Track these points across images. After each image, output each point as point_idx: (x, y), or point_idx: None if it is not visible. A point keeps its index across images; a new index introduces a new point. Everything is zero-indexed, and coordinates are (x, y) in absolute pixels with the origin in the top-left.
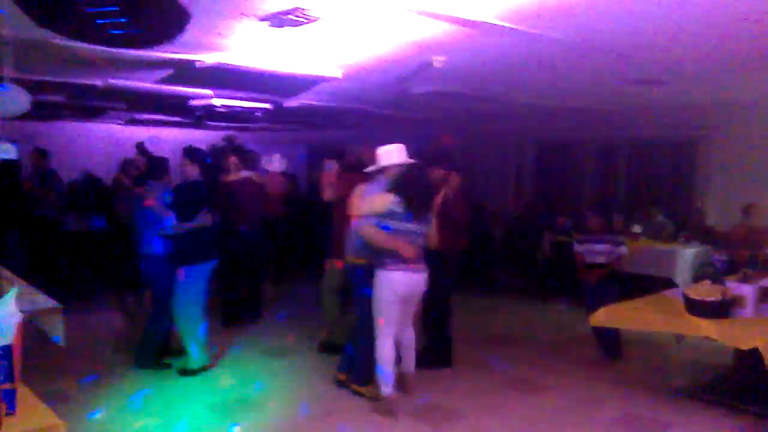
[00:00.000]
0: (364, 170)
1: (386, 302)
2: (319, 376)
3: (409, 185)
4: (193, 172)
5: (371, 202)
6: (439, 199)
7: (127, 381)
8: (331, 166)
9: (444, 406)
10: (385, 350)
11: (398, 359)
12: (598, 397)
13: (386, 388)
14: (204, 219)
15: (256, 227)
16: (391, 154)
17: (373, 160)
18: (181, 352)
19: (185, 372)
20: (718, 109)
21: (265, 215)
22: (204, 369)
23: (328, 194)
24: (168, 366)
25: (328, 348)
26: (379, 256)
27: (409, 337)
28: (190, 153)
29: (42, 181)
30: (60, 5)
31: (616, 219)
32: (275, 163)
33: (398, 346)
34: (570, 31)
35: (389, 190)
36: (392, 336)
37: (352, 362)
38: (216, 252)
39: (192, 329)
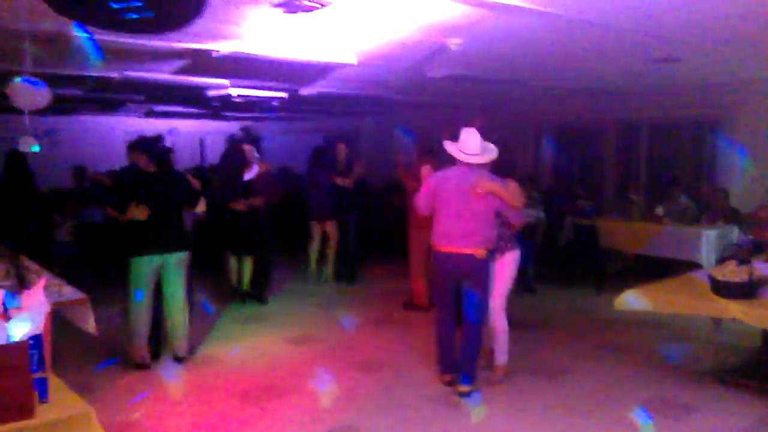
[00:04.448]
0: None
1: None
2: (341, 362)
3: None
4: (144, 161)
5: None
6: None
7: (151, 370)
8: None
9: None
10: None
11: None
12: (625, 381)
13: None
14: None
15: None
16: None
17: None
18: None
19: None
20: (740, 87)
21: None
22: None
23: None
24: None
25: None
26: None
27: None
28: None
29: None
30: None
31: (636, 200)
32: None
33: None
34: (587, 9)
35: None
36: None
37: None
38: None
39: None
